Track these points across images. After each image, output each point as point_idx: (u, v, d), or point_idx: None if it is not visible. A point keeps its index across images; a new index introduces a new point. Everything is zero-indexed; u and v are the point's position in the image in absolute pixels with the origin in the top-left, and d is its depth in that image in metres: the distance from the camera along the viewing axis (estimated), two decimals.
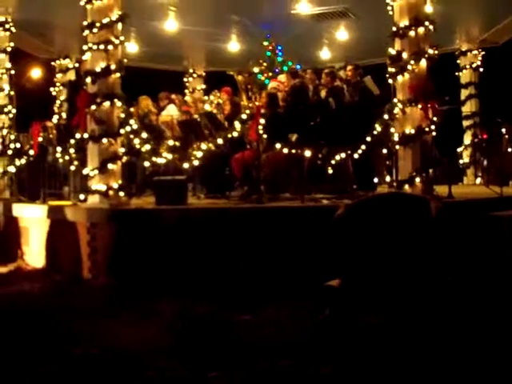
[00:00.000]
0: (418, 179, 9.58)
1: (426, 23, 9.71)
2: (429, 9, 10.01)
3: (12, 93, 13.71)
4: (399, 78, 9.79)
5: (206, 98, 15.38)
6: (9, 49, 13.67)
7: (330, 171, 10.81)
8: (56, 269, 10.51)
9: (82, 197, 10.51)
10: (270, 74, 13.86)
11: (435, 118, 9.71)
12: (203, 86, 18.62)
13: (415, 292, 5.55)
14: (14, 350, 6.33)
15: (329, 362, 5.54)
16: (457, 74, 16.80)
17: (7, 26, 13.55)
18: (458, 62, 16.80)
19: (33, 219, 11.69)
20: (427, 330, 5.53)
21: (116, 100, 10.16)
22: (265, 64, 14.30)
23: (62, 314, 7.62)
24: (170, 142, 12.27)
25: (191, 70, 18.69)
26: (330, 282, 5.95)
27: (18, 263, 11.56)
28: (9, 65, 13.71)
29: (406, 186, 9.63)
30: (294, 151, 10.50)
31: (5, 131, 13.50)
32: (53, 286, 9.41)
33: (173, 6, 13.55)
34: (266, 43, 14.88)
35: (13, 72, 13.84)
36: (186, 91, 18.35)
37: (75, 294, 8.72)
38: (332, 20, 14.63)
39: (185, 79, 18.77)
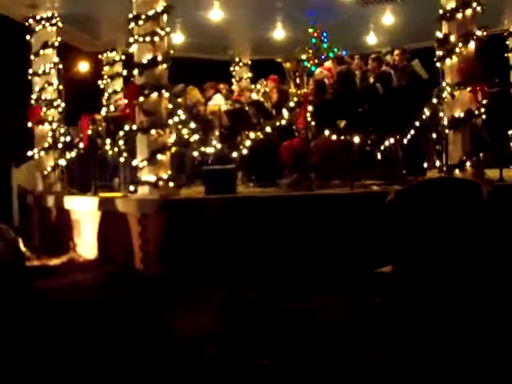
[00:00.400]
0: (468, 163, 9.48)
1: (474, 4, 9.58)
2: None
3: (61, 87, 13.88)
4: (447, 61, 9.68)
5: (252, 86, 15.38)
6: (56, 43, 13.83)
7: (379, 157, 10.75)
8: (108, 260, 10.64)
9: (132, 188, 10.59)
10: (316, 60, 13.80)
11: (485, 101, 9.58)
12: (249, 75, 18.58)
13: (467, 277, 5.51)
14: (68, 340, 6.43)
15: (379, 348, 5.52)
16: (506, 55, 16.52)
17: (54, 21, 13.69)
18: (507, 43, 16.52)
19: (84, 211, 11.83)
20: (478, 316, 5.48)
21: (163, 91, 10.22)
22: (310, 51, 14.25)
23: (114, 304, 7.71)
24: (219, 132, 12.32)
25: (237, 59, 18.65)
26: (381, 268, 5.93)
27: (70, 255, 11.71)
28: (56, 59, 13.87)
29: (457, 171, 9.53)
30: (342, 137, 10.45)
31: (54, 125, 13.69)
32: (105, 277, 9.52)
33: None
34: (311, 30, 14.81)
35: (61, 66, 14.01)
36: (233, 80, 18.35)
37: (127, 285, 8.81)
38: (377, 4, 14.52)
39: (231, 68, 18.75)
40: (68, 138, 13.50)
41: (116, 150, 11.44)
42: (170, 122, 10.37)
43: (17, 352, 6.04)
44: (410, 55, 12.04)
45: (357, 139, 10.39)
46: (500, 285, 5.80)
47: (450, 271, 5.49)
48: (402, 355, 5.32)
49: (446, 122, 9.74)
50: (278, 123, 11.19)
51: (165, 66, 10.25)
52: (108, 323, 6.96)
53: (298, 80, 11.29)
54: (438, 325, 5.46)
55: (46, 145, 13.70)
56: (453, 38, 9.60)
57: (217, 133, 12.52)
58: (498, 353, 5.17)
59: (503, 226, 7.04)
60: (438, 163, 11.01)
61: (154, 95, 10.14)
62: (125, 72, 15.74)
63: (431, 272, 5.57)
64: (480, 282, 5.57)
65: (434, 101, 10.08)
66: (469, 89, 9.50)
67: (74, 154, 13.01)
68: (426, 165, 11.55)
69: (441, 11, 9.75)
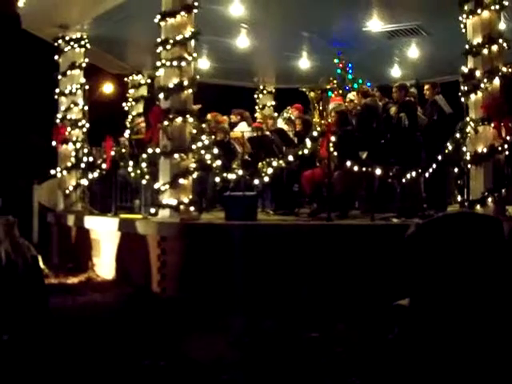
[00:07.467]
0: (489, 199, 9.43)
1: (500, 40, 9.59)
2: (502, 26, 9.90)
3: (86, 107, 13.99)
4: (472, 96, 9.66)
5: (275, 114, 15.41)
6: (84, 64, 13.97)
7: (400, 190, 10.71)
8: (126, 281, 10.67)
9: (152, 210, 10.63)
10: (341, 91, 13.81)
11: (508, 137, 9.55)
12: (273, 103, 18.63)
13: (486, 313, 5.47)
14: (84, 359, 6.44)
15: (396, 381, 5.49)
16: None
17: (82, 43, 13.85)
18: None
19: (104, 231, 11.88)
20: (497, 354, 5.43)
21: (188, 116, 10.28)
22: (335, 81, 14.28)
23: (130, 326, 7.73)
24: (241, 158, 12.35)
25: (262, 87, 18.71)
26: (400, 301, 5.90)
27: (88, 274, 11.75)
28: (83, 80, 14.00)
29: (478, 206, 9.48)
30: (364, 169, 10.42)
31: (78, 145, 13.78)
32: (122, 298, 9.55)
33: (244, 22, 13.65)
34: (336, 61, 14.85)
35: (87, 87, 14.13)
36: (257, 107, 18.39)
37: (144, 307, 8.83)
38: (403, 37, 14.54)
39: (255, 95, 18.80)
40: (91, 159, 13.59)
41: (138, 172, 11.49)
42: (194, 146, 10.42)
43: (25, 367, 6.06)
44: (440, 89, 11.93)
45: (378, 171, 10.37)
46: None
47: (468, 307, 5.46)
48: None
49: (468, 157, 9.70)
50: (300, 152, 11.17)
51: (190, 91, 10.33)
52: (123, 344, 6.97)
53: (321, 110, 11.31)
54: (453, 360, 5.42)
55: (69, 164, 13.81)
56: (478, 74, 9.59)
57: (240, 159, 12.54)
58: None
59: None
60: (459, 198, 10.94)
61: (179, 120, 10.21)
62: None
63: (448, 307, 5.54)
64: (498, 320, 5.53)
65: (458, 135, 10.04)
66: (493, 124, 9.47)
67: (96, 174, 13.09)
68: (447, 199, 11.50)
69: (467, 46, 9.73)
